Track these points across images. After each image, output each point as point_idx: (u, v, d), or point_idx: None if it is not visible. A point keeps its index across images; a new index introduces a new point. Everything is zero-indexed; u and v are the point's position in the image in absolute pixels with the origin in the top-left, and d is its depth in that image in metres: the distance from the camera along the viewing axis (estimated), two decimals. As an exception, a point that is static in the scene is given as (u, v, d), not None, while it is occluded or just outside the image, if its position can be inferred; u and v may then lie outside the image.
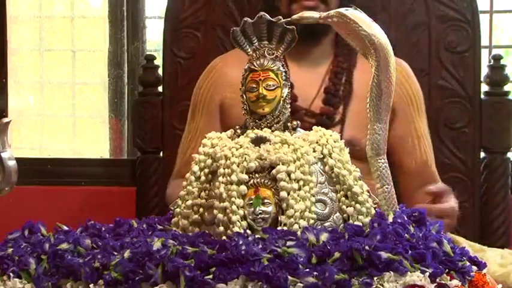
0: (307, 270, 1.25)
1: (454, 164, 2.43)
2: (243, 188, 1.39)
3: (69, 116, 3.00)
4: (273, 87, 1.47)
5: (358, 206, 1.43)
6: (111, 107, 2.93)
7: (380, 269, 1.28)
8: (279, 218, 1.38)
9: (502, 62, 2.47)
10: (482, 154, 2.47)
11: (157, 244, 1.32)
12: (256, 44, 1.50)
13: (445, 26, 2.43)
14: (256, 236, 1.34)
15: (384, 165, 1.50)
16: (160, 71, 2.55)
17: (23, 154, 2.87)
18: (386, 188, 1.49)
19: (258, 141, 1.45)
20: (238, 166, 1.40)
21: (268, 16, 1.50)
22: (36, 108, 2.99)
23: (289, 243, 1.30)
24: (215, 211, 1.40)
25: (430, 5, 2.43)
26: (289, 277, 1.23)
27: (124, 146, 2.92)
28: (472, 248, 1.88)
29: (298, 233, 1.35)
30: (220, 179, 1.41)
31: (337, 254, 1.28)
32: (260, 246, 1.29)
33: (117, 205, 2.61)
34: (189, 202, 1.45)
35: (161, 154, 2.54)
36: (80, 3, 3.02)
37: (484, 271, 1.42)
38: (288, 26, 1.49)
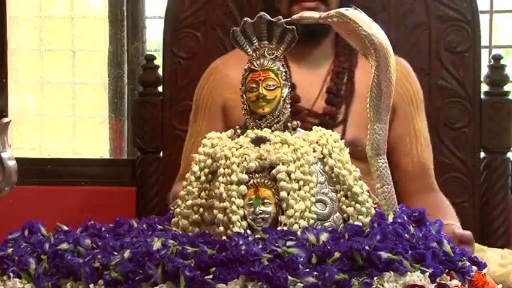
0: (307, 270, 1.25)
1: (454, 164, 2.43)
2: (243, 188, 1.39)
3: (69, 116, 3.00)
4: (273, 87, 1.47)
5: (358, 206, 1.43)
6: (111, 107, 2.93)
7: (380, 269, 1.28)
8: (279, 218, 1.38)
9: (502, 62, 2.47)
10: (482, 154, 2.47)
11: (157, 244, 1.32)
12: (256, 44, 1.50)
13: (445, 26, 2.43)
14: (256, 236, 1.34)
15: (384, 165, 1.50)
16: (160, 71, 2.55)
17: (23, 154, 2.87)
18: (386, 188, 1.49)
19: (258, 141, 1.45)
20: (238, 166, 1.40)
21: (268, 16, 1.50)
22: (36, 108, 2.99)
23: (289, 243, 1.30)
24: (215, 211, 1.40)
25: (430, 5, 2.43)
26: (289, 277, 1.23)
27: (124, 146, 2.92)
28: (472, 248, 1.88)
29: (298, 233, 1.35)
30: (220, 179, 1.41)
31: (337, 254, 1.28)
32: (260, 246, 1.29)
33: (117, 205, 2.61)
34: (189, 202, 1.45)
35: (161, 154, 2.54)
36: (80, 3, 3.02)
37: (484, 271, 1.42)
38: (288, 26, 1.49)
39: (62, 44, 3.02)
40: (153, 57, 2.57)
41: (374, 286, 1.26)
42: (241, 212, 1.38)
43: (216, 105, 2.17)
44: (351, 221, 1.42)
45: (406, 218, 1.44)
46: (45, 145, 3.00)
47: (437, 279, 1.30)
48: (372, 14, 1.53)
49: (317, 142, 1.46)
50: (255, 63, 1.48)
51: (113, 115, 2.93)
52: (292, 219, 1.37)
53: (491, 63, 2.47)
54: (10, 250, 1.42)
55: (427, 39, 2.44)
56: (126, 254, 1.32)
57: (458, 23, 2.43)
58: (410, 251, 1.32)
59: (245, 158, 1.41)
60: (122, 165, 2.74)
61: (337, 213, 1.43)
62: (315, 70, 2.16)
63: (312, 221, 1.38)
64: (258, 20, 1.50)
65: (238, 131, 1.50)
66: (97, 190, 2.68)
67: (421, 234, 1.39)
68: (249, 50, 1.50)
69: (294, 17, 1.51)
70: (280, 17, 1.50)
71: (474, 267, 1.39)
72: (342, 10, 1.48)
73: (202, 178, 1.45)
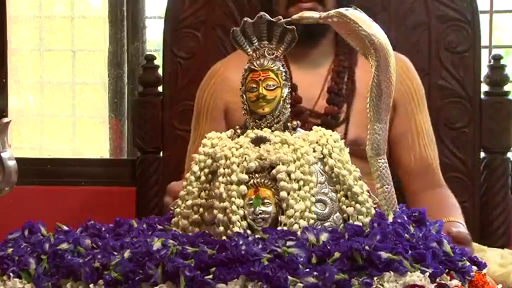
0: (307, 270, 1.25)
1: (454, 164, 2.43)
2: (243, 188, 1.39)
3: (69, 116, 3.00)
4: (273, 87, 1.47)
5: (358, 206, 1.43)
6: (111, 107, 2.93)
7: (380, 269, 1.28)
8: (279, 218, 1.38)
9: (502, 62, 2.47)
10: (482, 154, 2.47)
11: (157, 244, 1.32)
12: (256, 44, 1.50)
13: (445, 26, 2.43)
14: (256, 236, 1.34)
15: (384, 165, 1.50)
16: (160, 71, 2.55)
17: (23, 154, 2.87)
18: (386, 188, 1.49)
19: (258, 141, 1.45)
20: (238, 166, 1.40)
21: (268, 16, 1.50)
22: (36, 108, 2.99)
23: (289, 243, 1.30)
24: (215, 211, 1.40)
25: (430, 5, 2.43)
26: (289, 277, 1.23)
27: (124, 146, 2.92)
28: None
29: (298, 233, 1.35)
30: (220, 179, 1.41)
31: (337, 254, 1.28)
32: (260, 246, 1.29)
33: (117, 205, 2.61)
34: (189, 202, 1.46)
35: (161, 154, 2.54)
36: (80, 3, 3.02)
37: (484, 271, 1.42)
38: (288, 26, 1.49)
39: (62, 44, 3.02)
40: (153, 57, 2.57)
41: (374, 286, 1.26)
42: (241, 212, 1.38)
43: (218, 109, 2.17)
44: (351, 221, 1.42)
45: (406, 218, 1.44)
46: (45, 145, 3.00)
47: (437, 279, 1.30)
48: (372, 14, 1.53)
49: (317, 142, 1.46)
50: (255, 63, 1.48)
51: (113, 115, 2.93)
52: (292, 219, 1.37)
53: (491, 63, 2.47)
54: (10, 250, 1.42)
55: (427, 39, 2.44)
56: (126, 254, 1.32)
57: (458, 23, 2.43)
58: (410, 251, 1.32)
59: (245, 158, 1.41)
60: (122, 165, 2.75)
61: (337, 213, 1.43)
62: (315, 70, 2.15)
63: (312, 221, 1.38)
64: (258, 20, 1.50)
65: (238, 131, 1.50)
66: (97, 190, 2.68)
67: (421, 234, 1.39)
68: (249, 50, 1.50)
69: (294, 17, 1.52)
70: (280, 17, 1.50)
71: (474, 267, 1.39)
72: (342, 10, 1.49)
73: (202, 178, 1.45)
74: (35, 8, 2.98)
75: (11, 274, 1.37)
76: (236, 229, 1.36)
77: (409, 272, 1.28)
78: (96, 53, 2.98)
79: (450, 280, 1.32)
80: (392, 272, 1.28)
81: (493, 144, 2.45)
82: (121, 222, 1.56)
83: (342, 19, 1.48)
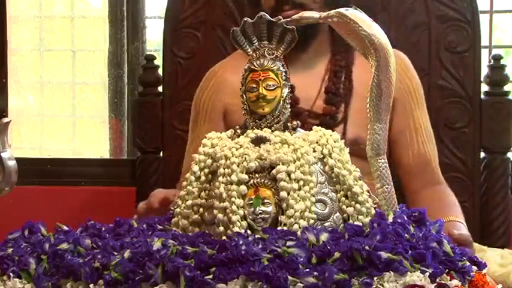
0: (307, 270, 1.25)
1: (454, 164, 2.43)
2: (243, 188, 1.39)
3: (69, 116, 3.00)
4: (273, 87, 1.47)
5: (358, 206, 1.43)
6: (111, 107, 2.93)
7: (380, 269, 1.28)
8: (279, 218, 1.38)
9: (502, 62, 2.47)
10: (482, 154, 2.47)
11: (157, 244, 1.32)
12: (256, 44, 1.50)
13: (445, 26, 2.43)
14: (256, 236, 1.34)
15: (384, 165, 1.50)
16: (160, 71, 2.55)
17: (23, 154, 2.87)
18: (386, 188, 1.49)
19: (258, 141, 1.45)
20: (238, 166, 1.40)
21: (268, 16, 1.50)
22: (36, 108, 2.99)
23: (289, 243, 1.30)
24: (215, 211, 1.40)
25: (430, 5, 2.43)
26: (289, 277, 1.23)
27: (124, 146, 2.92)
28: (472, 248, 1.88)
29: (298, 233, 1.35)
30: (220, 179, 1.41)
31: (337, 254, 1.28)
32: (260, 246, 1.29)
33: (117, 205, 2.61)
34: (189, 202, 1.46)
35: (161, 154, 2.54)
36: (80, 3, 3.02)
37: (484, 271, 1.42)
38: (288, 26, 1.49)
39: (62, 44, 3.02)
40: (153, 57, 2.57)
41: (374, 286, 1.26)
42: (241, 212, 1.38)
43: (217, 111, 2.17)
44: (351, 221, 1.42)
45: (406, 218, 1.44)
46: (45, 145, 3.00)
47: (437, 279, 1.30)
48: (372, 14, 1.53)
49: (317, 142, 1.46)
50: (255, 63, 1.48)
51: (113, 115, 2.93)
52: (292, 219, 1.37)
53: (491, 63, 2.47)
54: (10, 250, 1.42)
55: (427, 39, 2.44)
56: (126, 254, 1.32)
57: (458, 23, 2.43)
58: (410, 251, 1.32)
59: (245, 158, 1.41)
60: (122, 165, 2.75)
61: (337, 213, 1.43)
62: (311, 70, 2.14)
63: (312, 221, 1.38)
64: (258, 20, 1.50)
65: (238, 131, 1.50)
66: (97, 190, 2.68)
67: (421, 234, 1.39)
68: (249, 50, 1.50)
69: (294, 17, 1.52)
70: (280, 17, 1.50)
71: (474, 267, 1.39)
72: (342, 10, 1.48)
73: (202, 178, 1.45)
74: (35, 8, 2.98)
75: (11, 274, 1.37)
76: (236, 229, 1.36)
77: (409, 272, 1.28)
78: (96, 53, 2.98)
79: (450, 280, 1.32)
80: (392, 272, 1.28)
81: (493, 144, 2.45)
82: (121, 222, 1.56)
83: (342, 19, 1.48)
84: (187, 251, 1.30)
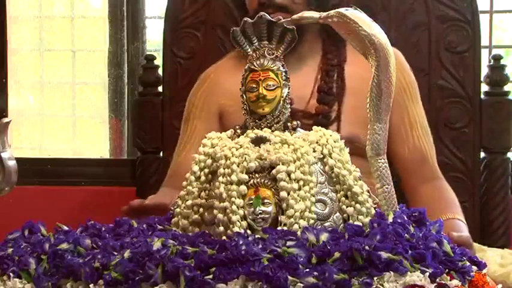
0: (307, 270, 1.25)
1: (454, 164, 2.43)
2: (243, 188, 1.39)
3: (69, 116, 3.00)
4: (273, 87, 1.47)
5: (358, 206, 1.43)
6: (111, 107, 2.93)
7: (380, 269, 1.28)
8: (279, 218, 1.38)
9: (502, 62, 2.47)
10: (482, 154, 2.47)
11: (157, 244, 1.32)
12: (256, 44, 1.50)
13: (445, 26, 2.43)
14: (256, 236, 1.34)
15: (384, 165, 1.50)
16: (160, 71, 2.55)
17: (23, 154, 2.87)
18: (386, 188, 1.49)
19: (258, 141, 1.45)
20: (238, 166, 1.40)
21: (268, 16, 1.50)
22: (36, 108, 2.99)
23: (289, 243, 1.30)
24: (215, 211, 1.40)
25: (430, 5, 2.43)
26: (289, 277, 1.23)
27: (124, 146, 2.92)
28: (472, 248, 1.87)
29: (298, 233, 1.35)
30: (220, 179, 1.41)
31: (337, 254, 1.28)
32: (260, 246, 1.29)
33: (117, 205, 2.61)
34: (189, 202, 1.46)
35: (161, 154, 2.54)
36: (80, 3, 3.02)
37: (484, 271, 1.42)
38: (288, 26, 1.49)
39: (62, 44, 3.02)
40: (153, 57, 2.57)
41: (374, 286, 1.26)
42: (241, 212, 1.38)
43: (211, 110, 2.15)
44: (351, 221, 1.42)
45: (406, 218, 1.44)
46: (45, 145, 3.00)
47: (437, 279, 1.30)
48: (371, 14, 1.53)
49: (317, 142, 1.46)
50: (255, 63, 1.48)
51: (113, 115, 2.93)
52: (292, 219, 1.37)
53: (491, 63, 2.47)
54: (10, 250, 1.42)
55: (427, 39, 2.43)
56: (126, 254, 1.32)
57: (458, 23, 2.42)
58: (410, 251, 1.32)
59: (245, 158, 1.41)
60: (122, 165, 2.75)
61: (337, 213, 1.43)
62: (304, 70, 2.13)
63: (312, 221, 1.38)
64: (258, 20, 1.50)
65: (238, 131, 1.50)
66: (97, 190, 2.68)
67: (421, 234, 1.39)
68: (249, 50, 1.50)
69: (294, 17, 1.52)
70: (280, 17, 1.51)
71: (474, 267, 1.39)
72: (342, 10, 1.49)
73: (202, 178, 1.45)
74: (35, 8, 2.98)
75: (11, 274, 1.37)
76: (236, 229, 1.36)
77: (409, 272, 1.28)
78: (96, 53, 2.98)
79: (450, 280, 1.32)
80: (392, 272, 1.28)
81: (493, 144, 2.45)
82: (121, 222, 1.56)
83: (342, 19, 1.48)
84: (187, 251, 1.30)
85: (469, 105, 2.43)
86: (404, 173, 2.11)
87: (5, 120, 1.48)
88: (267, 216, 1.38)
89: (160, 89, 2.55)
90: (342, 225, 1.42)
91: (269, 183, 1.40)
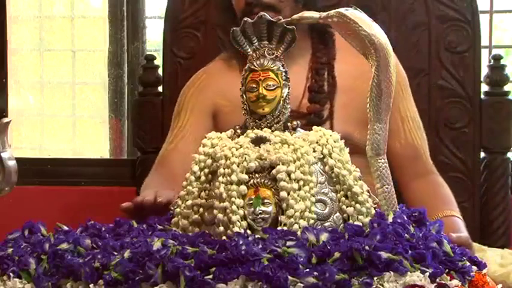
0: (307, 270, 1.25)
1: (454, 164, 2.43)
2: (243, 188, 1.39)
3: (69, 116, 3.00)
4: (273, 87, 1.47)
5: (358, 206, 1.43)
6: (111, 107, 2.93)
7: (380, 269, 1.28)
8: (279, 218, 1.38)
9: (502, 62, 2.47)
10: (482, 154, 2.46)
11: (157, 244, 1.32)
12: (256, 44, 1.50)
13: (445, 26, 2.43)
14: (256, 236, 1.34)
15: (384, 165, 1.50)
16: (160, 71, 2.55)
17: (23, 154, 2.87)
18: (386, 188, 1.49)
19: (258, 141, 1.45)
20: (238, 166, 1.40)
21: (268, 16, 1.50)
22: (36, 108, 2.99)
23: (289, 243, 1.30)
24: (215, 211, 1.40)
25: (430, 5, 2.42)
26: (289, 277, 1.23)
27: (124, 146, 2.92)
28: (472, 248, 1.87)
29: (298, 233, 1.35)
30: (220, 179, 1.41)
31: (337, 254, 1.28)
32: (260, 246, 1.29)
33: (117, 205, 2.61)
34: (189, 202, 1.46)
35: (161, 154, 2.54)
36: (80, 3, 3.02)
37: (484, 271, 1.42)
38: (288, 26, 1.49)
39: (62, 44, 3.02)
40: (153, 57, 2.57)
41: (374, 286, 1.26)
42: (241, 212, 1.38)
43: (204, 105, 2.12)
44: (351, 221, 1.42)
45: (406, 218, 1.44)
46: (45, 145, 3.00)
47: (437, 279, 1.30)
48: (371, 14, 1.53)
49: (317, 142, 1.46)
50: (255, 63, 1.48)
51: (113, 115, 2.93)
52: (292, 219, 1.37)
53: (491, 63, 2.47)
54: (10, 250, 1.42)
55: (427, 39, 2.43)
56: (126, 254, 1.32)
57: (458, 23, 2.42)
58: (410, 251, 1.32)
59: (245, 158, 1.41)
60: (122, 165, 2.74)
61: (337, 213, 1.43)
62: (294, 69, 2.11)
63: (312, 221, 1.38)
64: (258, 20, 1.50)
65: (238, 131, 1.50)
66: (97, 190, 2.67)
67: (421, 234, 1.39)
68: (249, 50, 1.50)
69: (294, 17, 1.52)
70: (280, 17, 1.51)
71: (474, 267, 1.39)
72: (342, 10, 1.49)
73: (202, 178, 1.46)
74: (35, 8, 2.98)
75: (11, 274, 1.37)
76: (236, 229, 1.36)
77: (409, 272, 1.28)
78: (96, 53, 2.98)
79: (450, 280, 1.32)
80: (392, 272, 1.28)
81: (493, 144, 2.45)
82: (121, 222, 1.56)
83: (342, 19, 1.48)
84: (187, 251, 1.30)
85: (469, 105, 2.43)
86: (397, 169, 2.10)
87: (5, 120, 1.48)
88: (267, 216, 1.38)
89: (160, 89, 2.54)
90: (342, 225, 1.43)
91: (269, 183, 1.40)
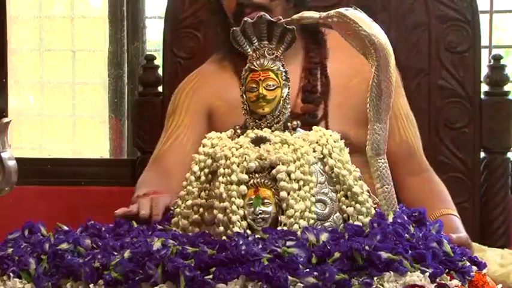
0: (307, 270, 1.25)
1: (454, 164, 2.43)
2: (243, 188, 1.39)
3: (69, 116, 3.00)
4: (273, 87, 1.47)
5: (358, 206, 1.43)
6: (111, 107, 2.93)
7: (380, 269, 1.28)
8: (279, 218, 1.38)
9: (502, 62, 2.47)
10: (482, 154, 2.47)
11: (157, 244, 1.32)
12: (256, 44, 1.50)
13: (445, 26, 2.43)
14: (256, 236, 1.34)
15: (384, 165, 1.50)
16: (160, 71, 2.55)
17: (23, 154, 2.87)
18: (386, 188, 1.49)
19: (258, 141, 1.45)
20: (238, 166, 1.40)
21: (268, 16, 1.50)
22: (36, 108, 2.99)
23: (289, 243, 1.30)
24: (215, 211, 1.40)
25: (430, 5, 2.43)
26: (289, 277, 1.23)
27: (124, 146, 2.92)
28: (472, 248, 1.88)
29: (298, 233, 1.35)
30: (220, 179, 1.41)
31: (337, 254, 1.28)
32: (260, 246, 1.29)
33: (117, 205, 2.61)
34: (189, 202, 1.46)
35: (161, 154, 2.54)
36: (80, 3, 3.02)
37: (484, 271, 1.42)
38: (288, 26, 1.49)
39: (62, 44, 3.02)
40: (153, 57, 2.57)
41: (374, 286, 1.26)
42: (241, 212, 1.38)
43: (199, 105, 2.10)
44: (351, 221, 1.42)
45: (406, 218, 1.44)
46: (45, 145, 3.00)
47: (437, 279, 1.30)
48: (371, 14, 1.53)
49: (317, 142, 1.46)
50: (255, 63, 1.48)
51: (113, 115, 2.93)
52: (292, 219, 1.37)
53: (491, 63, 2.47)
54: (10, 250, 1.42)
55: (427, 39, 2.43)
56: (126, 254, 1.32)
57: (458, 23, 2.42)
58: (410, 251, 1.32)
59: (245, 158, 1.41)
60: (122, 165, 2.74)
61: (337, 213, 1.43)
62: (288, 69, 2.11)
63: (312, 221, 1.38)
64: (258, 20, 1.50)
65: (238, 131, 1.50)
66: (97, 190, 2.67)
67: (421, 234, 1.39)
68: (249, 50, 1.50)
69: (294, 17, 1.52)
70: (280, 17, 1.51)
71: (474, 267, 1.39)
72: (342, 10, 1.49)
73: (202, 178, 1.46)
74: (35, 8, 2.98)
75: (11, 274, 1.37)
76: (236, 229, 1.36)
77: (409, 272, 1.28)
78: (96, 53, 2.98)
79: (450, 280, 1.32)
80: (392, 272, 1.28)
81: (493, 144, 2.45)
82: (121, 222, 1.56)
83: (342, 19, 1.48)
84: (187, 251, 1.30)
85: (469, 105, 2.43)
86: (392, 166, 2.09)
87: (5, 120, 1.48)
88: (267, 216, 1.38)
89: (160, 89, 2.54)
90: (342, 225, 1.43)
91: (269, 183, 1.40)
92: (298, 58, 2.11)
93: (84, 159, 2.88)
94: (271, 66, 1.48)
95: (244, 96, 1.49)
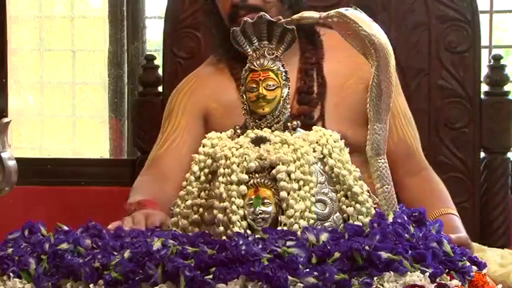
0: (307, 270, 1.25)
1: (454, 164, 2.43)
2: (243, 188, 1.39)
3: (69, 116, 3.00)
4: (273, 87, 1.47)
5: (358, 206, 1.43)
6: (111, 107, 2.93)
7: (380, 269, 1.28)
8: (279, 218, 1.38)
9: (502, 62, 2.47)
10: (482, 154, 2.47)
11: (157, 244, 1.32)
12: (256, 44, 1.50)
13: (445, 26, 2.43)
14: (256, 236, 1.34)
15: (384, 165, 1.50)
16: (160, 71, 2.55)
17: (23, 154, 2.87)
18: (386, 188, 1.49)
19: (258, 141, 1.45)
20: (238, 166, 1.40)
21: (268, 16, 1.50)
22: (36, 108, 2.99)
23: (289, 243, 1.30)
24: (215, 211, 1.40)
25: (430, 5, 2.43)
26: (289, 277, 1.23)
27: (124, 146, 2.92)
28: (472, 248, 1.88)
29: (298, 233, 1.35)
30: (220, 179, 1.41)
31: (337, 254, 1.28)
32: (260, 246, 1.29)
33: (117, 205, 2.61)
34: (189, 202, 1.46)
35: (161, 154, 2.54)
36: (80, 3, 3.02)
37: (484, 271, 1.42)
38: (288, 26, 1.49)
39: (62, 44, 3.02)
40: (153, 57, 2.57)
41: (374, 286, 1.26)
42: (241, 212, 1.38)
43: (195, 107, 2.09)
44: (351, 221, 1.42)
45: (406, 218, 1.44)
46: (45, 145, 3.00)
47: (437, 279, 1.30)
48: (371, 14, 1.53)
49: (317, 142, 1.46)
50: (255, 63, 1.48)
51: (113, 115, 2.93)
52: (292, 219, 1.37)
53: (491, 63, 2.47)
54: (10, 250, 1.42)
55: (427, 39, 2.43)
56: (126, 254, 1.32)
57: (458, 23, 2.42)
58: (410, 251, 1.32)
59: (245, 158, 1.41)
60: (122, 165, 2.75)
61: (337, 213, 1.43)
62: None
63: (312, 221, 1.38)
64: (258, 20, 1.50)
65: (238, 131, 1.50)
66: (97, 190, 2.67)
67: (421, 234, 1.39)
68: (249, 50, 1.50)
69: (294, 17, 1.52)
70: (280, 17, 1.51)
71: (474, 267, 1.39)
72: (342, 10, 1.49)
73: (202, 178, 1.46)
74: (35, 8, 2.98)
75: (11, 274, 1.37)
76: (236, 229, 1.36)
77: (409, 272, 1.28)
78: (96, 53, 2.98)
79: (450, 280, 1.32)
80: (392, 272, 1.28)
81: (493, 144, 2.45)
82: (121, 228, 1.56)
83: (342, 19, 1.48)
84: (187, 251, 1.30)
85: (469, 105, 2.43)
86: (391, 166, 2.08)
87: (5, 120, 1.48)
88: (267, 216, 1.38)
89: (160, 89, 2.54)
90: (342, 225, 1.43)
91: (269, 183, 1.40)
92: (294, 59, 2.10)
93: (84, 159, 2.88)
94: (271, 66, 1.48)
95: (244, 96, 1.49)
